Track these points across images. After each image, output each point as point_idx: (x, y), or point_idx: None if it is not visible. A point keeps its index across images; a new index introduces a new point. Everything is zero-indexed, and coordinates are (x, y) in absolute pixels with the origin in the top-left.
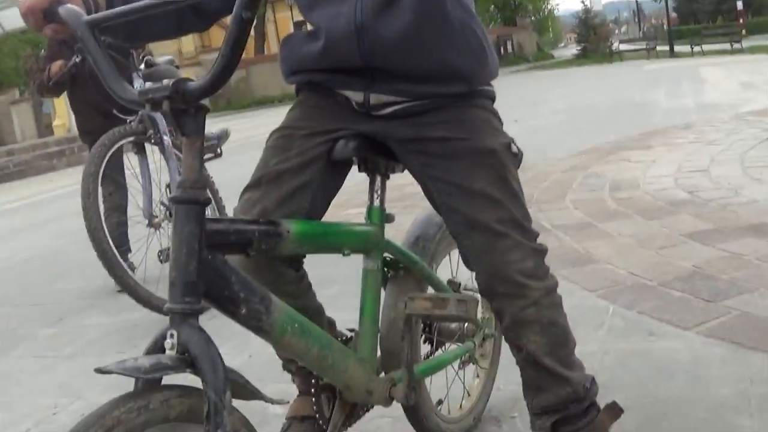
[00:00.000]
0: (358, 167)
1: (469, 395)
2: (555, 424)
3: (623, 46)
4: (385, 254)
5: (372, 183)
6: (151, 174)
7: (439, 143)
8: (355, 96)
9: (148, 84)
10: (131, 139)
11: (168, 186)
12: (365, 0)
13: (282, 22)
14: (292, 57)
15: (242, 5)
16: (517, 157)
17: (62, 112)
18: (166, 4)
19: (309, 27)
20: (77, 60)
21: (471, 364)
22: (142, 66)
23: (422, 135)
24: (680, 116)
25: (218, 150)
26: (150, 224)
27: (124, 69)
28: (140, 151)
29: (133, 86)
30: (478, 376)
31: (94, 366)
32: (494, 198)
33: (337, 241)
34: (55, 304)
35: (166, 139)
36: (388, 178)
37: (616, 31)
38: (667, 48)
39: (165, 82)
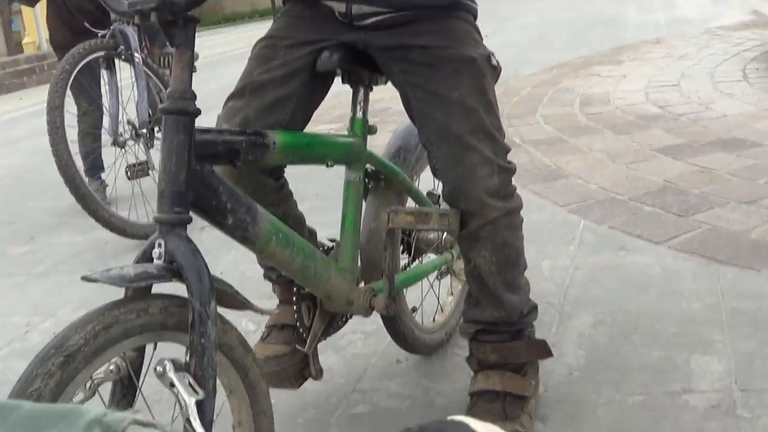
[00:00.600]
0: (342, 79)
1: (442, 311)
2: (477, 332)
3: None
4: (367, 166)
5: (355, 94)
6: (118, 92)
7: (421, 51)
8: (338, 6)
9: None
10: (101, 54)
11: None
12: None
13: None
14: None
15: None
16: (496, 70)
17: (32, 30)
18: None
19: None
20: None
21: (448, 275)
22: None
23: (404, 43)
24: (651, 31)
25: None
26: (115, 143)
27: None
28: (109, 67)
29: None
30: (452, 293)
31: (66, 284)
32: (470, 107)
33: (321, 152)
34: (26, 222)
35: (137, 56)
36: (371, 90)
37: None
38: None
39: None
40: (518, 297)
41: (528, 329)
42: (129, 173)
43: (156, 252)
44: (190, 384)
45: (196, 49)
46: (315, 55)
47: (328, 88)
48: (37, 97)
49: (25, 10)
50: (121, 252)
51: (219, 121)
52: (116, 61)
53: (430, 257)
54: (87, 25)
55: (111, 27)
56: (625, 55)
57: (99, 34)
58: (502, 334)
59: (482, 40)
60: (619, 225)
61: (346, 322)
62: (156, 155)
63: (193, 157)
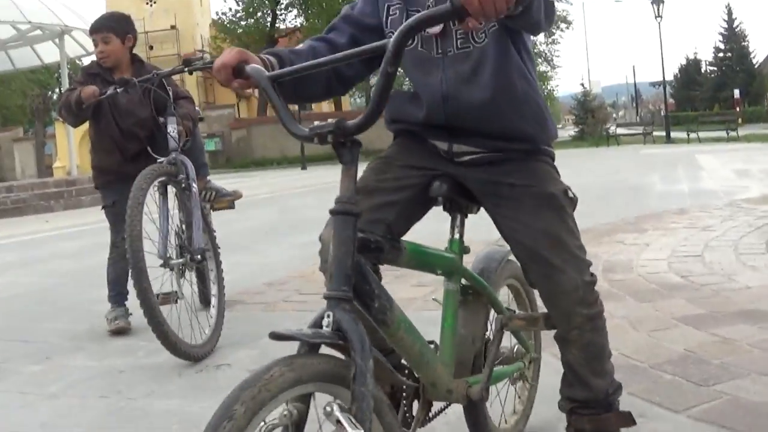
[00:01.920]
0: (443, 206)
1: (514, 412)
2: (571, 409)
3: (620, 130)
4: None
5: (453, 220)
6: (169, 216)
7: (510, 188)
8: (441, 145)
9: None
10: (164, 178)
11: (182, 228)
12: (448, 73)
13: None
14: (394, 110)
15: (387, 62)
16: (573, 201)
17: (63, 156)
18: (323, 65)
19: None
20: (117, 90)
21: (521, 381)
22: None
23: (495, 180)
24: (675, 201)
25: (233, 205)
26: (165, 265)
27: (164, 110)
28: (163, 192)
29: (167, 124)
30: (519, 397)
31: (76, 407)
32: (553, 234)
33: (433, 262)
34: (42, 342)
35: (195, 185)
36: (467, 217)
37: (614, 115)
38: (663, 134)
39: (330, 120)
40: (604, 380)
41: (616, 402)
42: (158, 299)
43: (326, 321)
44: (352, 422)
45: (239, 189)
46: (422, 179)
47: (427, 210)
48: (62, 221)
49: (59, 135)
50: (137, 382)
51: (325, 228)
52: (168, 187)
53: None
54: (149, 150)
55: (172, 155)
56: (649, 223)
57: (157, 160)
58: (595, 408)
59: (560, 177)
60: (638, 392)
61: (440, 412)
62: (187, 285)
63: (356, 249)
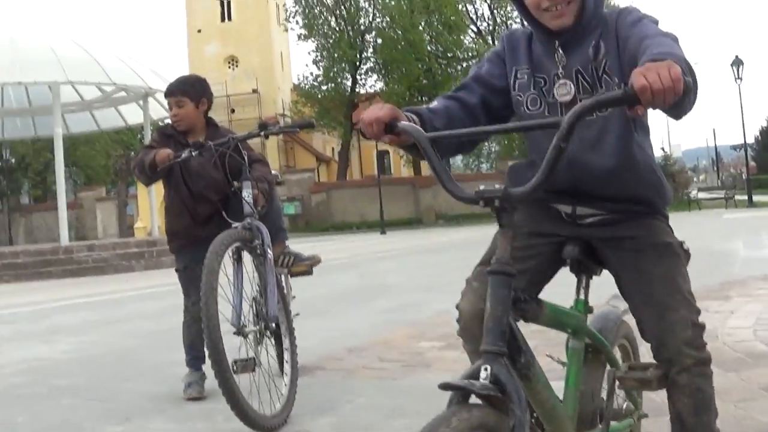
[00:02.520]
0: (570, 267)
1: None
2: None
3: (702, 194)
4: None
5: (579, 281)
6: (243, 283)
7: (631, 240)
8: (565, 208)
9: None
10: (239, 244)
11: (259, 295)
12: (574, 139)
13: (366, 149)
14: (516, 179)
15: (561, 138)
16: (687, 253)
17: (145, 216)
18: (490, 132)
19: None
20: (192, 154)
21: None
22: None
23: (618, 235)
24: (760, 267)
25: (311, 270)
26: (239, 333)
27: (239, 174)
28: (238, 258)
29: (242, 189)
30: None
31: None
32: (670, 278)
33: (566, 321)
34: (122, 403)
35: (270, 252)
36: (592, 278)
37: (695, 179)
38: (745, 197)
39: (497, 185)
40: None
41: None
42: (236, 367)
43: (483, 374)
44: None
45: (318, 254)
46: (550, 246)
47: (555, 273)
48: (143, 281)
49: (141, 196)
50: None
51: (469, 282)
52: (243, 253)
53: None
54: (225, 215)
55: (247, 220)
56: (733, 290)
57: (233, 225)
58: None
59: (673, 233)
60: None
61: None
62: (263, 352)
63: (510, 307)
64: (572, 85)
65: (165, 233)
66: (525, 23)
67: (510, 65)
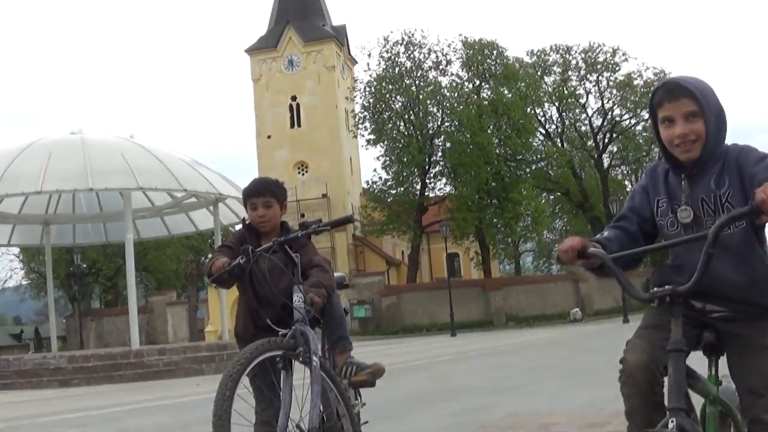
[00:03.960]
0: (703, 351)
1: None
2: None
3: None
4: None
5: (710, 361)
6: (292, 392)
7: (744, 338)
8: (697, 304)
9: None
10: (279, 352)
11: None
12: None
13: (435, 252)
14: (660, 279)
15: (709, 245)
16: None
17: (215, 320)
18: (657, 249)
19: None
20: (241, 261)
21: None
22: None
23: (734, 331)
24: None
25: (373, 381)
26: None
27: (288, 278)
28: (286, 367)
29: (292, 294)
30: None
31: None
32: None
33: (710, 390)
34: None
35: (315, 359)
36: (719, 358)
37: None
38: None
39: (664, 287)
40: None
41: None
42: None
43: (670, 426)
44: None
45: (381, 363)
46: (691, 327)
47: (692, 350)
48: (213, 384)
49: (212, 299)
50: None
51: (631, 341)
52: (293, 361)
53: None
54: (269, 322)
55: (292, 327)
56: None
57: (280, 333)
58: None
59: None
60: None
61: None
62: None
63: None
64: (691, 210)
65: (234, 337)
66: (661, 157)
67: (653, 196)
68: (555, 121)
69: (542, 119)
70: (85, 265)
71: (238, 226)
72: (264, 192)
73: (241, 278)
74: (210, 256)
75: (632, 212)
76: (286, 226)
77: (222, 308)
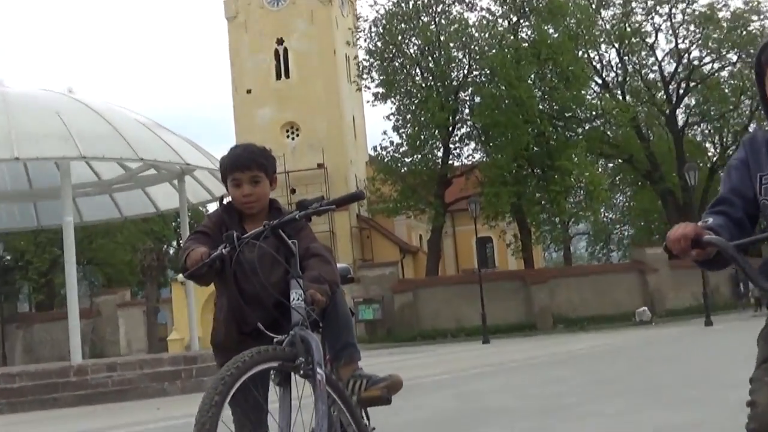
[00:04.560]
0: None
1: None
2: None
3: None
4: None
5: None
6: (291, 413)
7: None
8: None
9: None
10: (275, 364)
11: None
12: None
13: (462, 235)
14: None
15: None
16: None
17: (181, 325)
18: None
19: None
20: (223, 252)
21: None
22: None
23: None
24: None
25: (388, 397)
26: None
27: (286, 272)
28: (283, 382)
29: (288, 291)
30: None
31: None
32: None
33: None
34: None
35: (320, 372)
36: None
37: None
38: None
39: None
40: None
41: None
42: None
43: None
44: None
45: (398, 375)
46: None
47: None
48: (179, 408)
49: (176, 299)
50: None
51: (759, 378)
52: (292, 375)
53: None
54: (260, 326)
55: (290, 332)
56: None
57: (274, 340)
58: None
59: None
60: None
61: None
62: None
63: None
64: None
65: (211, 346)
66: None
67: (754, 171)
68: (615, 68)
69: (598, 65)
70: (9, 257)
71: (211, 206)
72: (250, 164)
73: (222, 272)
74: (183, 245)
75: (733, 194)
76: (276, 205)
77: (190, 310)
